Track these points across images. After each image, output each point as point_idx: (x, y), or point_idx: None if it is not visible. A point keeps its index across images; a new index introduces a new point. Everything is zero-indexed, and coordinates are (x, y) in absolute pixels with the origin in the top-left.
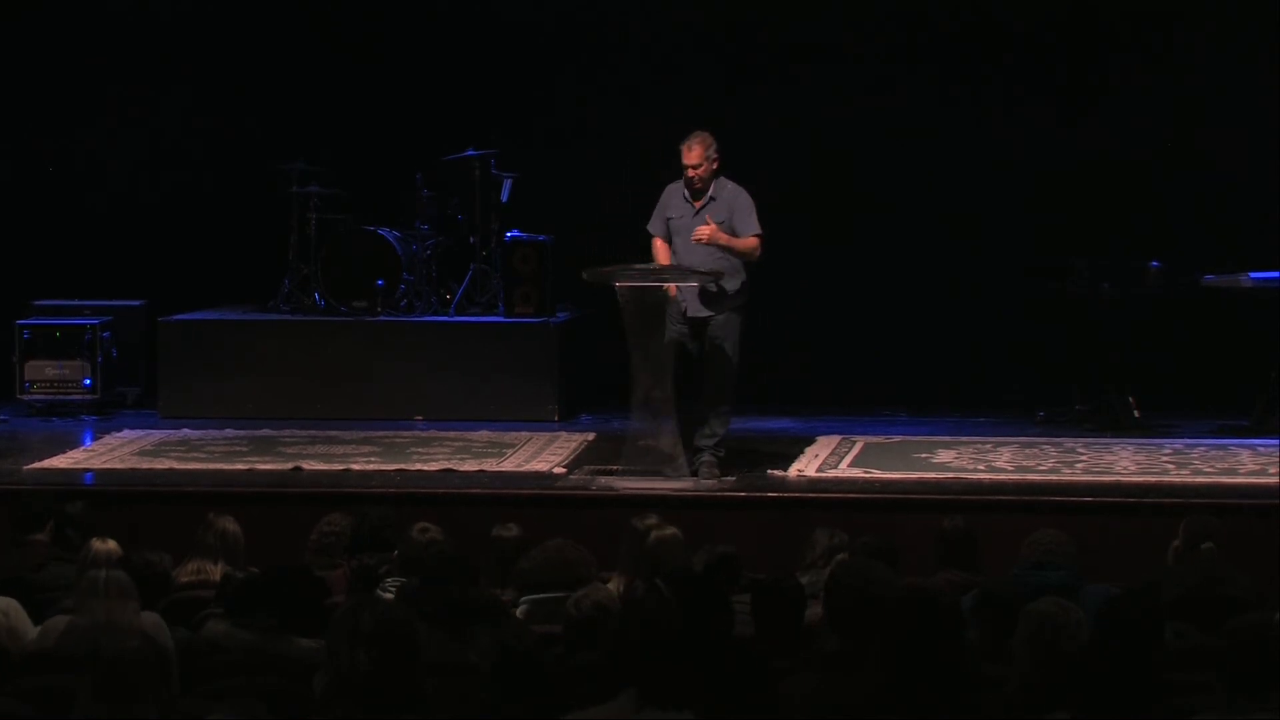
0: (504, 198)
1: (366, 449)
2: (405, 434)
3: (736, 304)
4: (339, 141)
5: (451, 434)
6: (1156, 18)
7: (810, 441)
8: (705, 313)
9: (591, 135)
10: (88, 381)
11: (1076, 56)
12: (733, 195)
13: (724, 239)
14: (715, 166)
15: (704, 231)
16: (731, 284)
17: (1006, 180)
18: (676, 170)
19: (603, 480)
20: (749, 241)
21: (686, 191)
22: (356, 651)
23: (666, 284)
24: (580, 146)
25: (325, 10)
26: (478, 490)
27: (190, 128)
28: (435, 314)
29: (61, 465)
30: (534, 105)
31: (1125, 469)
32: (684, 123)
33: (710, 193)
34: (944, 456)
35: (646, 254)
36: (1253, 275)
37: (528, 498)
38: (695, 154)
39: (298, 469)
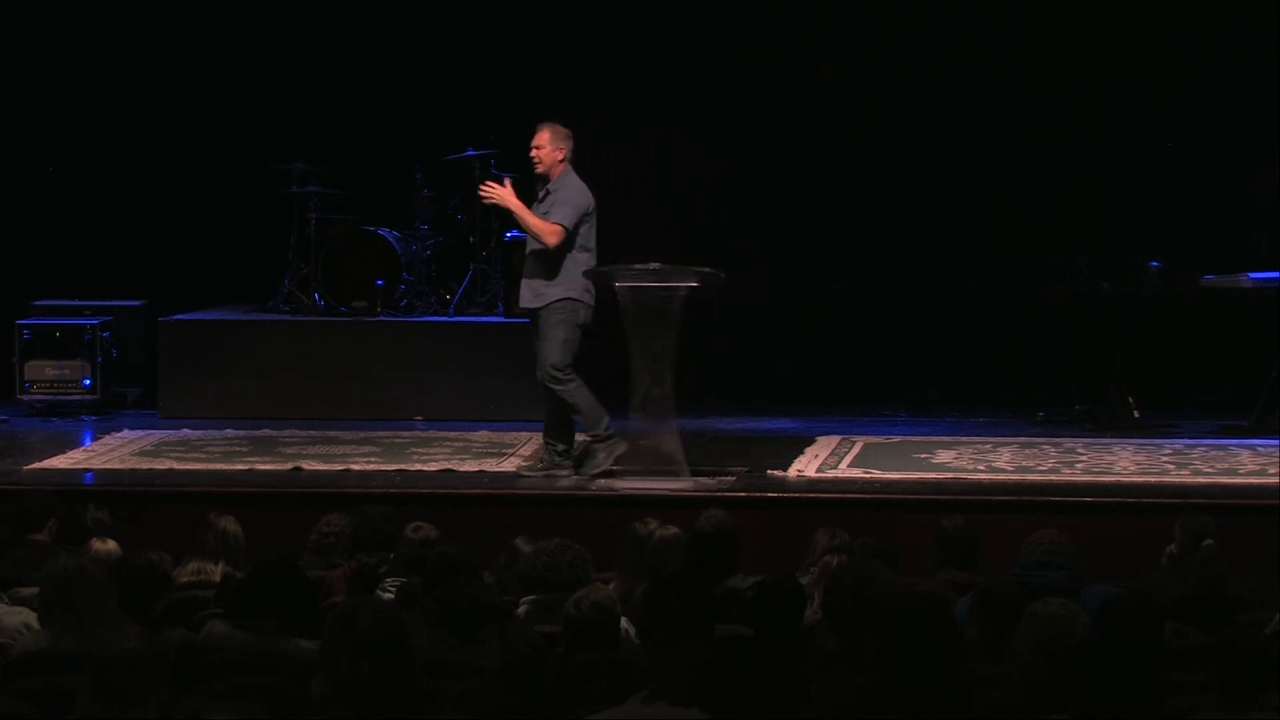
0: None
1: (366, 449)
2: (405, 434)
3: (554, 302)
4: (339, 141)
5: (451, 434)
6: (1158, 20)
7: (810, 441)
8: (530, 305)
9: (591, 135)
10: (88, 382)
11: (1078, 56)
12: (565, 187)
13: (512, 203)
14: (560, 157)
15: (484, 190)
16: (553, 281)
17: (1006, 180)
18: (677, 171)
19: (603, 480)
20: (544, 225)
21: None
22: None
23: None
24: (579, 146)
25: (325, 10)
26: (478, 490)
27: (190, 127)
28: (435, 314)
29: (61, 465)
30: (534, 105)
31: (1125, 469)
32: (683, 123)
33: (551, 185)
34: (944, 456)
35: (645, 254)
36: (1253, 275)
37: (527, 498)
38: (537, 138)
39: (298, 469)
